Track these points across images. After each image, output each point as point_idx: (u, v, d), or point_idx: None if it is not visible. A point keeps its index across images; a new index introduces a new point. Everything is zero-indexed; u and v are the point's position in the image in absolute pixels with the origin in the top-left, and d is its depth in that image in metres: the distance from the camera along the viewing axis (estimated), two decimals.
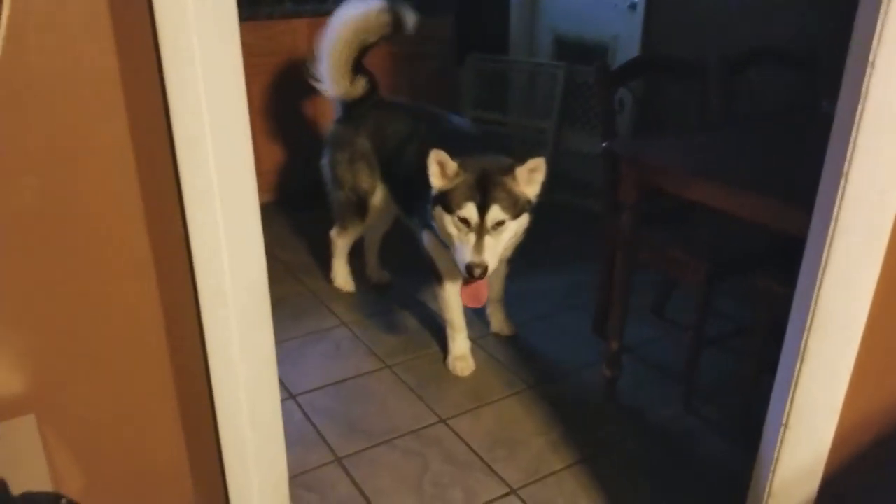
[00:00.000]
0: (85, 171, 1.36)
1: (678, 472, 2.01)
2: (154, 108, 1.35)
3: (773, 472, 1.28)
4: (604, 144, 2.23)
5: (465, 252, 1.85)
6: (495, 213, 1.86)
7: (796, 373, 1.19)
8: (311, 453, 2.05)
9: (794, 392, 1.21)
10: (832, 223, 1.10)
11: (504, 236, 1.91)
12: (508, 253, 2.14)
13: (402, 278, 3.05)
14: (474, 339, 2.56)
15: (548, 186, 4.10)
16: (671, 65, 2.64)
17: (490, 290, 2.25)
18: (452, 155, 1.94)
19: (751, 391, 1.98)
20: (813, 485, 1.26)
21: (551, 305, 2.90)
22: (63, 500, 1.21)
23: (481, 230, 1.86)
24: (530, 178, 1.96)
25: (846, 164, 1.07)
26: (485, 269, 1.82)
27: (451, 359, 2.41)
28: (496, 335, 2.65)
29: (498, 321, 2.64)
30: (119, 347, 1.51)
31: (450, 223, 1.91)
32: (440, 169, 1.95)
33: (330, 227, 2.94)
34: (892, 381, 1.16)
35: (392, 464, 2.01)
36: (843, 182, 1.08)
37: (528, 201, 1.97)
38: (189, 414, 1.64)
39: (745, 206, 1.80)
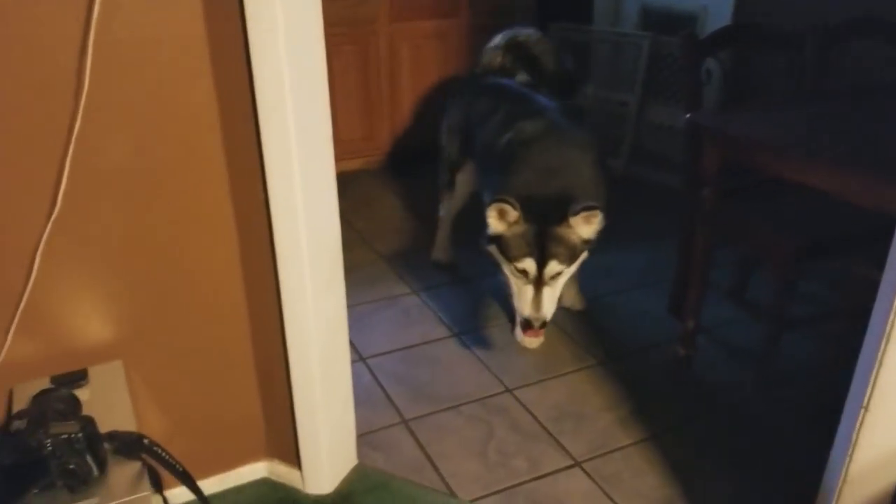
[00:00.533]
0: (173, 132, 1.43)
1: (749, 454, 1.95)
2: (238, 74, 1.40)
3: (850, 456, 1.23)
4: (687, 116, 2.16)
5: (523, 305, 1.88)
6: (553, 267, 1.87)
7: (880, 354, 1.14)
8: (379, 414, 2.10)
9: (876, 374, 1.15)
10: None
11: (561, 281, 1.92)
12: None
13: (471, 251, 3.05)
14: None
15: (628, 160, 4.03)
16: (764, 35, 2.51)
17: None
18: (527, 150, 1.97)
19: (831, 376, 1.89)
20: (893, 473, 1.20)
21: (626, 282, 2.85)
22: (145, 440, 1.29)
23: (539, 282, 1.87)
24: (587, 226, 1.91)
25: None
26: (543, 322, 1.86)
27: (518, 330, 2.34)
28: (567, 309, 2.62)
29: (570, 295, 2.61)
30: (201, 301, 1.60)
31: (507, 267, 1.93)
32: (500, 216, 1.92)
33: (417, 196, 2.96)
34: None
35: (457, 429, 2.04)
36: None
37: (585, 242, 1.93)
38: (264, 367, 1.72)
39: (837, 183, 1.70)
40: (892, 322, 1.11)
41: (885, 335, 1.12)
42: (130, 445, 1.27)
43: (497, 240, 1.94)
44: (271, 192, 1.46)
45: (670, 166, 3.86)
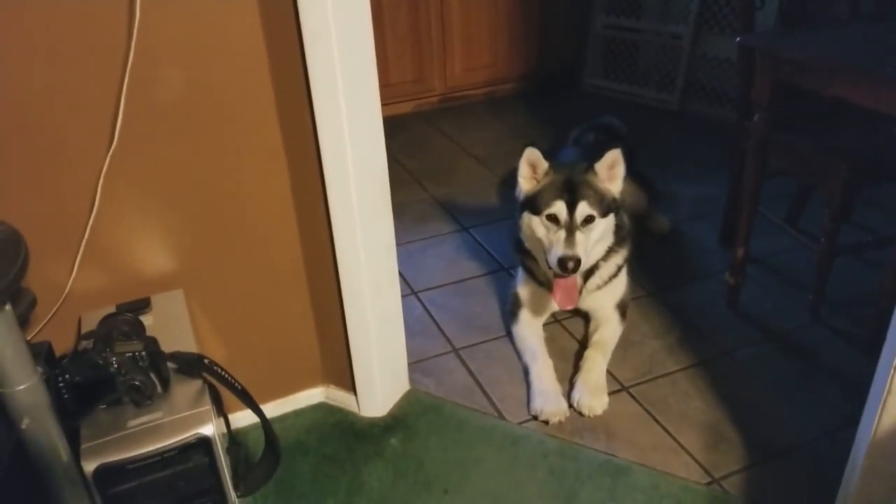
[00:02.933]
0: (222, 64, 1.48)
1: (797, 380, 1.95)
2: (283, 3, 1.42)
3: (895, 366, 1.23)
4: (738, 39, 2.10)
5: (556, 247, 1.85)
6: (583, 208, 1.86)
7: None
8: (430, 343, 2.17)
9: None
10: None
11: (594, 234, 1.89)
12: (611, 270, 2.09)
13: None
14: None
15: (682, 95, 3.94)
16: None
17: None
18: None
19: (886, 302, 1.86)
20: None
21: (680, 214, 2.83)
22: (206, 360, 1.37)
23: (571, 227, 1.85)
24: (611, 174, 1.93)
25: None
26: (577, 261, 1.81)
27: (539, 401, 1.88)
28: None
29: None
30: (255, 232, 1.67)
31: (539, 224, 1.92)
32: (531, 170, 1.96)
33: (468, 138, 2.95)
34: None
35: (506, 357, 2.10)
36: None
37: (614, 199, 1.94)
38: (318, 295, 1.79)
39: (888, 101, 1.65)
40: None
41: None
42: (191, 364, 1.35)
43: (529, 201, 1.95)
44: (318, 120, 1.50)
45: (725, 100, 3.76)
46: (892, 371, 1.24)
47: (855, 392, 1.61)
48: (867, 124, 2.12)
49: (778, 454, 1.72)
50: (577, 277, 1.93)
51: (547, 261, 1.90)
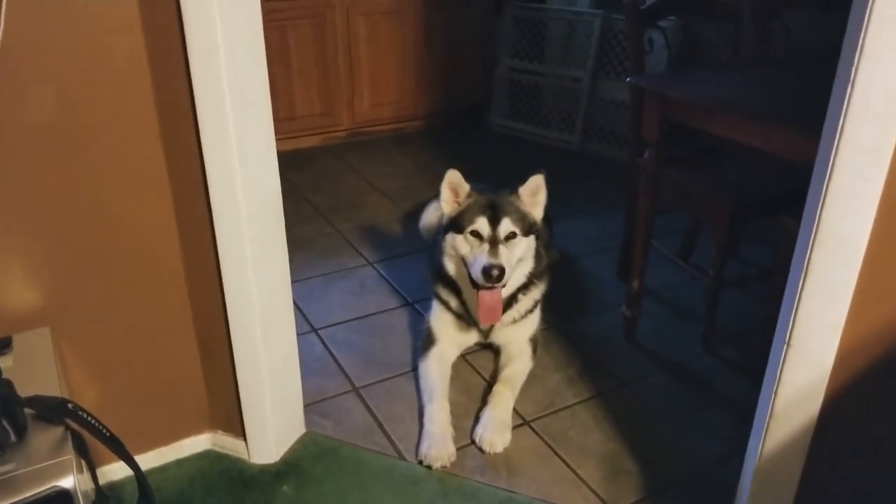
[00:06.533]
0: (101, 83, 1.39)
1: (695, 409, 1.99)
2: (168, 18, 1.36)
3: (776, 392, 1.26)
4: (628, 79, 2.18)
5: (480, 257, 1.85)
6: (506, 224, 1.89)
7: (799, 289, 1.16)
8: (330, 382, 2.10)
9: (796, 309, 1.18)
10: (838, 133, 1.06)
11: (516, 251, 1.91)
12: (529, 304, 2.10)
13: None
14: None
15: (581, 136, 4.06)
16: (704, 4, 2.55)
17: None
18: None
19: (767, 332, 1.94)
20: (814, 406, 1.23)
21: (579, 249, 2.88)
22: (70, 404, 1.25)
23: (494, 240, 1.87)
24: (533, 200, 1.98)
25: (853, 70, 1.02)
26: (501, 269, 1.82)
27: (424, 444, 1.81)
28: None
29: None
30: (134, 265, 1.56)
31: (462, 242, 1.93)
32: (453, 194, 1.99)
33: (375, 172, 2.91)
34: None
35: (408, 394, 2.05)
36: (849, 89, 1.03)
37: (535, 222, 1.98)
38: (204, 333, 1.69)
39: (764, 138, 1.74)
40: (810, 255, 1.13)
41: (804, 269, 1.15)
42: (52, 410, 1.22)
43: (453, 222, 1.95)
44: (205, 143, 1.44)
45: (622, 141, 3.91)
46: (772, 397, 1.27)
47: (746, 420, 1.65)
48: (752, 162, 2.24)
49: (673, 483, 1.74)
50: (500, 294, 1.92)
51: (470, 276, 1.90)
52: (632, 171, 2.44)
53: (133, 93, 1.42)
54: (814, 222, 1.12)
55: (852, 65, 1.03)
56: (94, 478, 1.39)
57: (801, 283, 1.16)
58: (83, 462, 1.29)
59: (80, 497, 1.16)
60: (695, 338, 2.27)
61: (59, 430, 1.22)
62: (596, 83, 4.00)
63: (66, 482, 1.14)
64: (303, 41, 3.77)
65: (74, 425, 1.24)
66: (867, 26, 0.99)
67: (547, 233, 2.61)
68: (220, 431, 1.81)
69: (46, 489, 1.13)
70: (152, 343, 1.65)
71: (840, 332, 1.16)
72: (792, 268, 1.20)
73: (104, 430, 1.27)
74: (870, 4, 0.99)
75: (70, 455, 1.17)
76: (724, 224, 2.00)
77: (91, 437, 1.28)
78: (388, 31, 4.01)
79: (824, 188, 1.09)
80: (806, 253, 1.14)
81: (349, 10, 3.84)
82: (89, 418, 1.25)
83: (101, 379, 1.60)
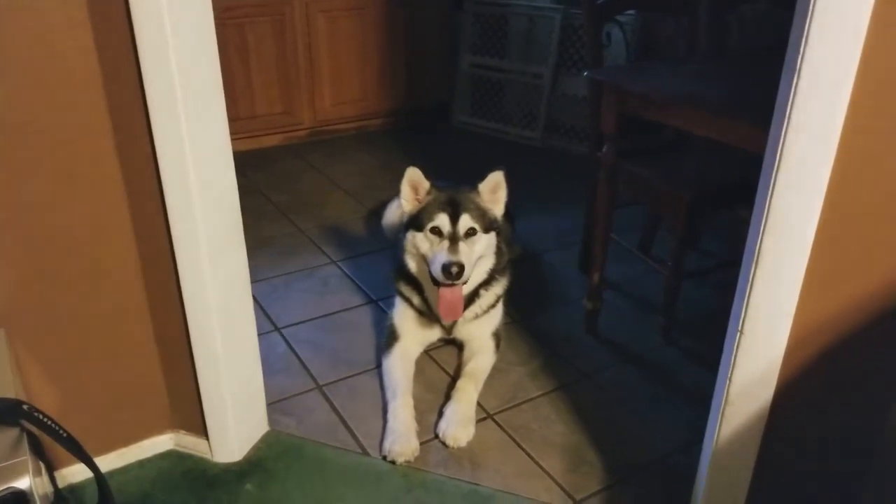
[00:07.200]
0: (50, 81, 1.37)
1: (655, 399, 2.03)
2: (117, 16, 1.34)
3: (730, 379, 1.29)
4: (586, 73, 2.20)
5: (440, 255, 1.86)
6: (465, 220, 1.89)
7: (751, 277, 1.19)
8: (293, 381, 2.08)
9: (748, 296, 1.21)
10: (786, 120, 1.08)
11: (476, 248, 1.92)
12: (490, 300, 2.10)
13: None
14: None
15: (543, 132, 4.09)
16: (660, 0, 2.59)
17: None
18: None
19: (725, 322, 1.98)
20: (768, 391, 1.26)
21: (542, 245, 2.91)
22: (24, 405, 1.23)
23: (454, 237, 1.88)
24: (494, 197, 1.99)
25: (799, 57, 1.05)
26: (461, 266, 1.83)
27: (388, 440, 1.81)
28: None
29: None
30: (89, 264, 1.53)
31: (423, 240, 1.93)
32: (413, 191, 1.98)
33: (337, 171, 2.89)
34: (846, 286, 1.15)
35: (372, 391, 2.04)
36: (795, 78, 1.06)
37: (496, 219, 1.99)
38: (163, 333, 1.67)
39: (719, 129, 1.77)
40: (761, 242, 1.16)
41: (755, 256, 1.18)
42: (6, 411, 1.21)
43: (413, 219, 1.96)
44: (158, 144, 1.42)
45: (583, 136, 3.95)
46: (727, 383, 1.30)
47: (706, 409, 1.68)
48: (709, 155, 2.28)
49: (634, 472, 1.76)
50: (461, 291, 1.92)
51: (430, 273, 1.90)
52: (593, 165, 2.46)
53: (83, 91, 1.40)
54: (764, 210, 1.15)
55: (798, 52, 1.05)
56: (53, 480, 1.37)
57: (752, 271, 1.19)
58: (41, 464, 1.27)
59: (37, 498, 1.14)
60: (655, 329, 2.30)
61: (15, 431, 1.20)
62: (557, 79, 4.03)
63: (22, 483, 1.12)
64: (262, 39, 3.73)
65: (30, 427, 1.22)
66: (812, 13, 1.02)
67: (509, 228, 2.63)
68: (182, 431, 1.79)
69: (2, 490, 1.11)
70: (110, 344, 1.62)
71: (791, 318, 1.19)
72: (744, 256, 1.23)
73: (61, 431, 1.25)
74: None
75: (26, 456, 1.16)
76: (682, 216, 2.03)
77: (48, 438, 1.26)
78: (349, 28, 3.99)
79: (773, 175, 1.12)
80: (757, 240, 1.17)
81: (308, 7, 3.82)
82: (45, 419, 1.23)
83: (58, 381, 1.57)
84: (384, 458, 1.79)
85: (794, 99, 1.07)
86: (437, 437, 1.86)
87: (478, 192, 1.98)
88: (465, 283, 1.91)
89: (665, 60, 2.53)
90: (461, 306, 1.93)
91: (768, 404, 1.28)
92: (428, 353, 2.21)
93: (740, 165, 2.12)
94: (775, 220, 1.13)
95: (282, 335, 2.31)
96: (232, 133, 1.56)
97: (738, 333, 1.25)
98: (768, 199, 1.13)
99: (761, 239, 1.16)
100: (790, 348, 1.22)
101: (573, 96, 3.99)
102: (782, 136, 1.09)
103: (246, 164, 3.52)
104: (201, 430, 1.76)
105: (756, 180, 1.20)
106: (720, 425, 1.34)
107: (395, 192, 2.16)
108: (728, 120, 1.75)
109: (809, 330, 1.20)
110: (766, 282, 1.18)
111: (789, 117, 1.08)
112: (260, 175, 3.62)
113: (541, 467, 1.77)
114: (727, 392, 1.30)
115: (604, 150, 2.12)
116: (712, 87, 1.96)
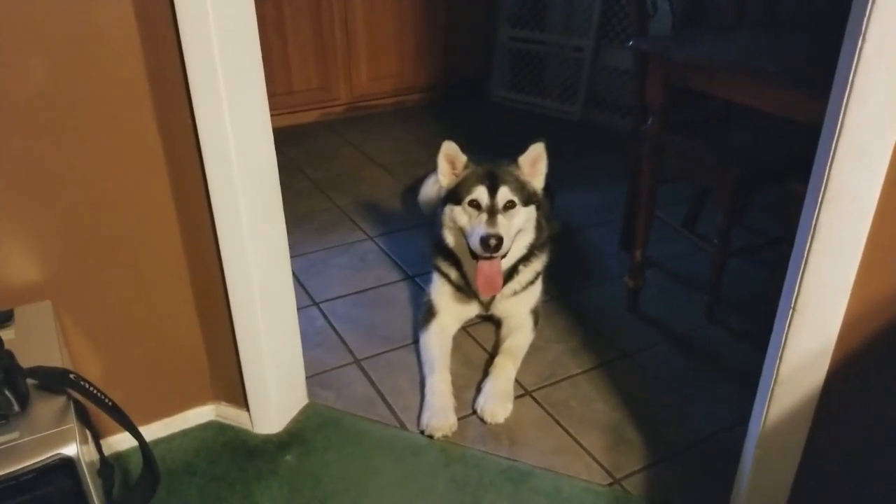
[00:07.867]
0: (92, 54, 1.37)
1: (698, 379, 1.98)
2: None
3: (780, 358, 1.24)
4: (630, 42, 2.14)
5: (478, 227, 1.83)
6: (504, 193, 1.86)
7: (806, 251, 1.14)
8: (331, 355, 2.09)
9: (803, 272, 1.16)
10: (848, 87, 1.03)
11: (515, 221, 1.89)
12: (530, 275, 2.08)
13: None
14: None
15: (584, 106, 4.01)
16: None
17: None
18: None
19: (773, 300, 1.92)
20: (820, 371, 1.21)
21: (582, 220, 2.86)
22: (72, 374, 1.25)
23: (493, 210, 1.85)
24: (534, 170, 1.96)
25: (864, 22, 0.99)
26: (499, 239, 1.80)
27: (426, 414, 1.81)
28: None
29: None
30: (132, 234, 1.55)
31: (461, 213, 1.90)
32: (450, 166, 1.96)
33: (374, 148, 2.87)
34: None
35: (409, 365, 2.04)
36: (860, 42, 1.00)
37: (535, 192, 1.95)
38: (204, 301, 1.68)
39: (773, 100, 1.70)
40: (818, 215, 1.11)
41: (811, 229, 1.13)
42: (54, 379, 1.22)
43: (451, 194, 1.93)
44: (198, 114, 1.41)
45: (625, 111, 3.87)
46: (777, 363, 1.25)
47: (750, 388, 1.64)
48: (758, 128, 2.20)
49: (676, 452, 1.73)
50: (499, 264, 1.89)
51: (469, 247, 1.88)
52: (635, 139, 2.40)
53: (124, 64, 1.39)
54: (822, 180, 1.09)
55: (864, 16, 0.99)
56: (99, 447, 1.39)
57: (808, 245, 1.14)
58: (87, 431, 1.29)
59: (83, 465, 1.15)
60: (699, 307, 2.25)
61: (62, 399, 1.22)
62: (599, 51, 3.94)
63: (69, 450, 1.14)
64: (298, 13, 3.71)
65: (77, 395, 1.24)
66: None
67: (548, 204, 2.59)
68: (224, 402, 1.81)
69: (50, 457, 1.13)
70: (153, 315, 1.63)
71: (848, 294, 1.14)
72: (799, 229, 1.18)
73: (106, 400, 1.27)
74: None
75: (72, 424, 1.17)
76: (730, 191, 1.97)
77: (94, 406, 1.28)
78: (385, 2, 3.94)
79: (833, 144, 1.06)
80: (814, 213, 1.12)
81: None
82: (91, 388, 1.25)
83: (103, 351, 1.60)
84: (422, 432, 1.78)
85: (857, 65, 1.01)
86: (474, 412, 1.85)
87: (517, 165, 1.95)
88: (504, 256, 1.88)
89: (714, 30, 2.44)
90: (500, 280, 1.91)
91: (820, 385, 1.23)
92: (466, 329, 2.20)
93: (791, 137, 2.05)
94: (834, 191, 1.08)
95: (320, 309, 2.32)
96: (269, 109, 1.55)
97: (791, 310, 1.20)
98: (827, 169, 1.08)
99: (819, 211, 1.11)
100: (846, 326, 1.17)
101: (615, 69, 3.90)
102: (843, 104, 1.04)
103: (283, 141, 3.50)
104: (242, 401, 1.77)
105: (810, 152, 1.15)
106: (769, 406, 1.30)
107: (432, 168, 2.15)
108: (783, 90, 1.67)
109: (868, 307, 1.15)
110: (822, 256, 1.13)
111: (852, 84, 1.02)
112: (297, 151, 3.63)
113: (580, 445, 1.75)
114: (777, 371, 1.25)
115: (648, 122, 2.06)
116: (766, 55, 1.88)
